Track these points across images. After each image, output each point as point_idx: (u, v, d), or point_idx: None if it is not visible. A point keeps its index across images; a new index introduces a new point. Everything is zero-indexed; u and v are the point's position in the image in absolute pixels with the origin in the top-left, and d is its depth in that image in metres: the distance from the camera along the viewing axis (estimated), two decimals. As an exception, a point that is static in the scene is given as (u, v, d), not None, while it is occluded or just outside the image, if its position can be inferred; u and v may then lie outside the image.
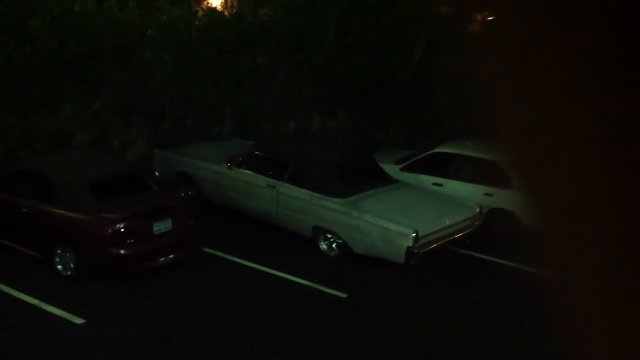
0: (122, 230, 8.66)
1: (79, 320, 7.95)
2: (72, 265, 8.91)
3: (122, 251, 8.67)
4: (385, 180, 10.79)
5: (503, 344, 7.83)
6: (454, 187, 11.08)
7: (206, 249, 9.88)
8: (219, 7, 14.72)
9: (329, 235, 10.11)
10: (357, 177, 10.53)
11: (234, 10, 14.39)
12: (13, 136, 12.16)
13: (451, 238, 9.98)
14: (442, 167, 11.39)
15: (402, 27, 13.92)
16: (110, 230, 8.64)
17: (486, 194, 10.80)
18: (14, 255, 9.42)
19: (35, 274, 9.08)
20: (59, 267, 9.01)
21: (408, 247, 9.26)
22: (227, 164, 11.26)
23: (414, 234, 9.26)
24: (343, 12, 14.22)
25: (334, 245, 10.10)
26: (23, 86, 11.96)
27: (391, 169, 11.45)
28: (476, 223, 10.31)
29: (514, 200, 10.20)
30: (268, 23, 14.31)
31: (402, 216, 9.60)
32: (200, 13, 14.14)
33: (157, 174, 12.08)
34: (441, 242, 9.81)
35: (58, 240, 8.99)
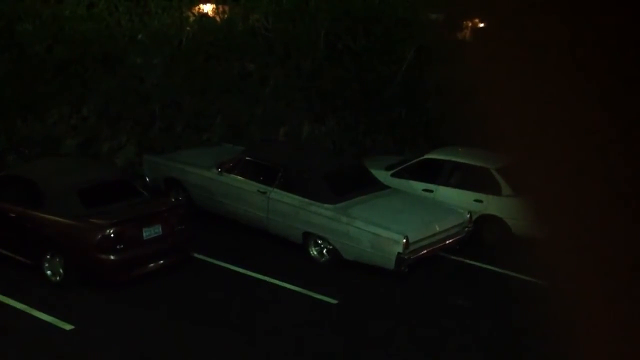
0: (111, 236, 8.63)
1: (67, 326, 7.90)
2: (61, 271, 8.86)
3: (111, 257, 8.64)
4: (376, 186, 10.79)
5: (493, 350, 7.84)
6: (444, 193, 11.10)
7: (196, 255, 9.86)
8: (210, 13, 14.72)
9: (319, 241, 10.10)
10: (348, 183, 10.53)
11: (225, 16, 14.39)
12: (0, 141, 12.09)
13: (441, 244, 9.99)
14: (433, 173, 11.40)
15: (391, 35, 13.96)
16: (99, 236, 8.61)
17: (476, 201, 10.82)
18: (2, 261, 9.36)
19: (24, 279, 9.03)
20: (48, 272, 8.97)
21: (398, 253, 9.26)
22: (217, 169, 11.24)
23: (404, 240, 9.26)
24: (333, 20, 14.24)
25: (324, 251, 10.09)
26: (10, 91, 11.90)
27: (382, 175, 11.46)
28: (466, 229, 10.32)
29: (504, 207, 10.24)
30: (259, 30, 14.32)
31: (392, 222, 9.60)
32: (192, 19, 14.13)
33: (147, 179, 12.05)
34: (431, 248, 9.81)
35: (47, 246, 8.94)
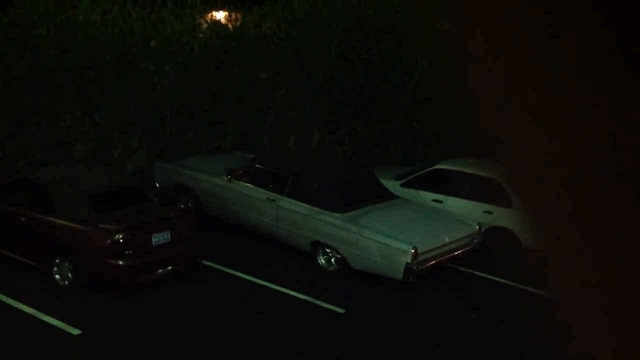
0: (121, 241, 8.65)
1: (75, 331, 7.92)
2: (70, 275, 8.89)
3: (120, 262, 8.66)
4: (385, 195, 10.77)
5: (501, 362, 7.80)
6: (454, 204, 11.06)
7: (205, 262, 9.86)
8: (222, 20, 14.78)
9: (327, 250, 10.09)
10: (357, 193, 10.52)
11: (238, 24, 14.44)
12: (12, 145, 12.17)
13: (450, 255, 9.95)
14: (443, 183, 11.38)
15: (403, 45, 13.96)
16: (108, 241, 8.63)
17: (486, 212, 10.78)
18: (12, 265, 9.40)
19: (33, 283, 9.06)
20: (57, 277, 9.00)
21: (407, 264, 9.23)
22: (227, 176, 11.26)
23: (413, 251, 9.23)
24: (345, 30, 14.27)
25: (332, 260, 10.08)
26: (23, 95, 11.98)
27: (391, 185, 11.44)
28: (475, 241, 10.28)
29: (514, 219, 10.19)
30: (271, 38, 14.37)
31: (401, 232, 9.58)
32: (204, 26, 14.19)
33: (157, 185, 12.09)
34: (440, 259, 9.78)
35: (56, 251, 8.98)
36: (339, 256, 9.95)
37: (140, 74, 13.07)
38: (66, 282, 8.95)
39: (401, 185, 11.70)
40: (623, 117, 0.46)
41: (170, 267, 9.18)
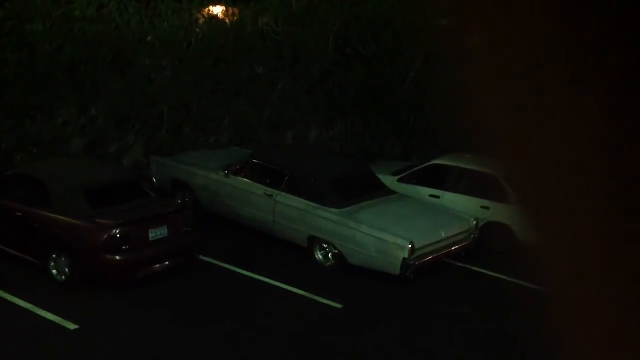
0: (118, 236, 8.65)
1: (72, 326, 7.92)
2: (67, 270, 8.88)
3: (117, 257, 8.65)
4: (382, 191, 10.78)
5: (498, 358, 7.81)
6: (451, 199, 11.07)
7: (202, 257, 9.86)
8: (220, 15, 14.75)
9: (324, 246, 10.10)
10: (354, 188, 10.52)
11: (235, 19, 14.42)
12: (8, 140, 12.14)
13: (447, 251, 9.97)
14: (440, 179, 11.39)
15: (401, 40, 13.96)
16: (105, 237, 8.62)
17: (483, 207, 10.80)
18: (8, 260, 9.39)
19: (30, 278, 9.05)
20: (54, 272, 8.99)
21: (404, 259, 9.24)
22: (224, 172, 11.25)
23: (410, 246, 9.24)
24: (342, 25, 14.26)
25: (329, 256, 10.09)
26: (19, 91, 11.95)
27: (388, 180, 11.45)
28: (472, 236, 10.29)
29: (511, 214, 10.19)
30: (268, 33, 14.35)
31: (398, 228, 9.59)
32: (202, 20, 14.16)
33: (154, 181, 12.08)
34: (437, 254, 9.79)
35: (53, 246, 8.97)
36: (336, 251, 9.95)
37: (137, 69, 13.04)
38: (63, 278, 8.94)
39: (398, 180, 11.71)
40: (622, 114, 0.46)
41: (167, 263, 9.18)
